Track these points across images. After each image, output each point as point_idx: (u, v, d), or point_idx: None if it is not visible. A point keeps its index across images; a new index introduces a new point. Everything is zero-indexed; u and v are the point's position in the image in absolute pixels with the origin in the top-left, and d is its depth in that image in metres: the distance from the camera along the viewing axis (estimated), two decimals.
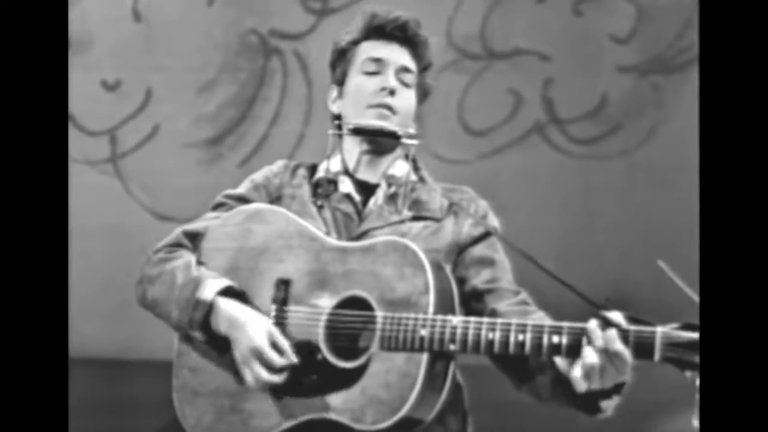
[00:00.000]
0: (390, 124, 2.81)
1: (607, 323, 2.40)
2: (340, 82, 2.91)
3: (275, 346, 2.60)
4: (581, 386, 2.43)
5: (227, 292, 2.67)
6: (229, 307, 2.65)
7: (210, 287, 2.66)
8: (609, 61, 5.30)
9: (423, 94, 2.93)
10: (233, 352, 2.64)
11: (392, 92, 2.82)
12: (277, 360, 2.59)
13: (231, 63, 5.43)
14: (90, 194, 5.22)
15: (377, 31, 2.87)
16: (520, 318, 2.59)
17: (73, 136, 5.22)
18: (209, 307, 2.65)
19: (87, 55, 5.37)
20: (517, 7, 5.34)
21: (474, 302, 2.71)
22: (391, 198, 2.82)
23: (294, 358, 2.60)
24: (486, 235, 2.78)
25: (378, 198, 2.83)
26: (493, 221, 2.83)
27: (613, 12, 5.30)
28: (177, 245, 2.79)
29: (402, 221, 2.77)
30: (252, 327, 2.62)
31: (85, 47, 5.37)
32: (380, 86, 2.82)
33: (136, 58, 5.41)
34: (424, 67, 2.91)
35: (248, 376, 2.61)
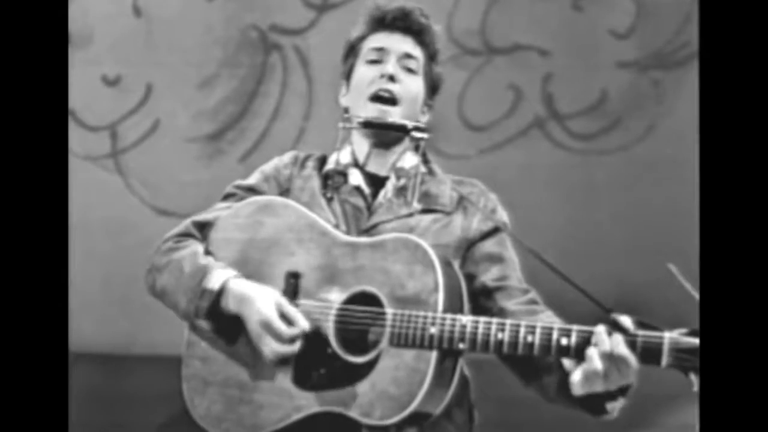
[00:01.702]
0: (398, 118, 2.81)
1: (615, 327, 2.40)
2: (348, 76, 2.91)
3: (284, 316, 2.61)
4: (578, 390, 2.44)
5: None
6: (238, 285, 2.67)
7: (217, 276, 2.68)
8: (609, 56, 5.30)
9: (433, 84, 2.91)
10: (246, 328, 2.65)
11: (392, 78, 2.82)
12: (286, 330, 2.60)
13: (231, 58, 5.42)
14: (90, 189, 5.22)
15: (380, 22, 2.87)
16: (528, 317, 2.60)
17: (74, 131, 5.23)
18: (217, 295, 2.66)
19: (87, 50, 5.37)
20: (516, 2, 5.34)
21: (483, 299, 2.71)
22: (401, 190, 2.82)
23: (305, 325, 2.61)
24: (495, 230, 2.78)
25: (387, 190, 2.83)
26: (503, 215, 2.83)
27: (612, 7, 5.30)
28: (186, 235, 2.80)
29: (411, 214, 2.78)
30: (260, 300, 2.63)
31: (86, 42, 5.37)
32: (380, 72, 2.82)
33: (136, 53, 5.41)
34: (431, 56, 2.90)
35: (264, 350, 2.62)
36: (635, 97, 5.31)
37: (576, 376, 2.43)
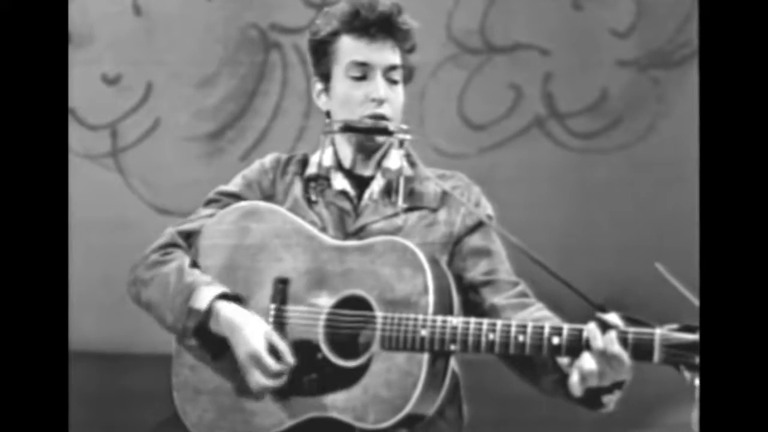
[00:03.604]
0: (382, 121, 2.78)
1: (605, 326, 2.41)
2: (325, 78, 2.84)
3: (273, 350, 2.61)
4: (577, 391, 2.45)
5: (222, 297, 2.68)
6: (228, 310, 2.66)
7: (204, 295, 2.66)
8: (609, 55, 5.30)
9: (408, 75, 2.86)
10: (235, 355, 2.65)
11: (381, 102, 2.77)
12: (274, 366, 2.60)
13: (231, 57, 5.42)
14: (90, 188, 5.22)
15: (358, 29, 2.78)
16: (519, 311, 2.61)
17: (74, 130, 5.23)
18: (205, 315, 2.65)
19: (87, 49, 5.36)
20: (516, 1, 5.34)
21: (472, 295, 2.71)
22: (386, 190, 2.81)
23: (292, 361, 2.61)
24: (480, 224, 2.77)
25: (373, 191, 2.81)
26: (486, 208, 2.81)
27: (613, 6, 5.30)
28: (171, 245, 2.78)
29: (396, 213, 2.76)
30: (249, 331, 2.63)
31: (86, 41, 5.37)
32: (370, 96, 2.76)
33: (136, 52, 5.41)
34: (408, 50, 2.84)
35: (250, 381, 2.62)
36: (635, 97, 5.32)
37: (573, 377, 2.44)
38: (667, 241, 4.88)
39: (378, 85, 2.77)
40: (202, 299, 2.66)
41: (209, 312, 2.65)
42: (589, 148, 5.34)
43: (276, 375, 2.60)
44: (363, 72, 2.79)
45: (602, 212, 5.25)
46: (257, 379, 2.61)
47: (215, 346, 2.68)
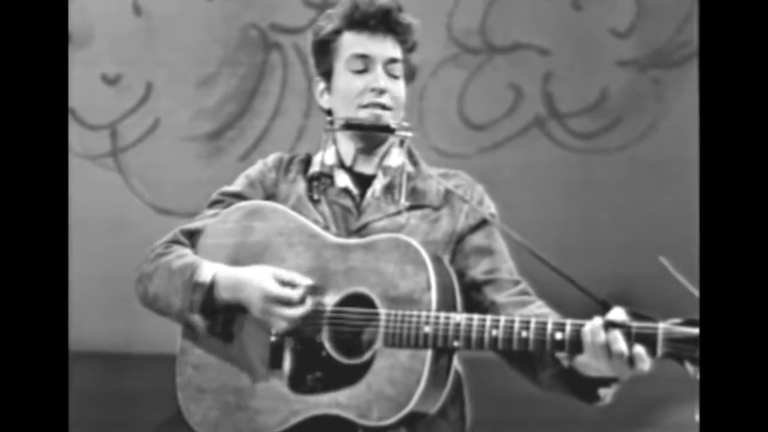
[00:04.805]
0: (383, 117, 2.79)
1: (609, 323, 2.40)
2: (327, 76, 2.87)
3: (284, 283, 2.62)
4: (598, 364, 2.44)
5: None
6: (227, 273, 2.67)
7: (207, 269, 2.68)
8: (609, 55, 5.30)
9: (410, 74, 2.88)
10: (249, 311, 2.65)
11: (382, 92, 2.79)
12: (293, 293, 2.61)
13: (231, 57, 5.43)
14: (90, 188, 5.23)
15: (359, 23, 2.82)
16: (519, 309, 2.62)
17: (74, 130, 5.23)
18: (208, 288, 2.66)
19: (87, 49, 5.37)
20: (516, 1, 5.35)
21: (474, 293, 2.72)
22: (388, 188, 2.82)
23: (308, 281, 2.63)
24: (483, 222, 2.78)
25: (375, 189, 2.82)
26: (489, 206, 2.82)
27: (612, 6, 5.30)
28: (174, 242, 2.80)
29: (399, 212, 2.77)
30: (256, 279, 2.64)
31: (86, 41, 5.38)
32: (370, 86, 2.79)
33: (136, 52, 5.41)
34: (408, 50, 2.87)
35: (275, 323, 2.63)
36: (635, 97, 5.32)
37: (583, 359, 2.44)
38: (667, 240, 4.88)
39: (378, 76, 2.79)
40: (206, 273, 2.68)
41: (213, 284, 2.66)
42: (589, 148, 5.34)
43: (299, 302, 2.61)
44: (364, 65, 2.81)
45: (602, 212, 5.25)
46: (283, 313, 2.61)
47: (223, 330, 2.69)
